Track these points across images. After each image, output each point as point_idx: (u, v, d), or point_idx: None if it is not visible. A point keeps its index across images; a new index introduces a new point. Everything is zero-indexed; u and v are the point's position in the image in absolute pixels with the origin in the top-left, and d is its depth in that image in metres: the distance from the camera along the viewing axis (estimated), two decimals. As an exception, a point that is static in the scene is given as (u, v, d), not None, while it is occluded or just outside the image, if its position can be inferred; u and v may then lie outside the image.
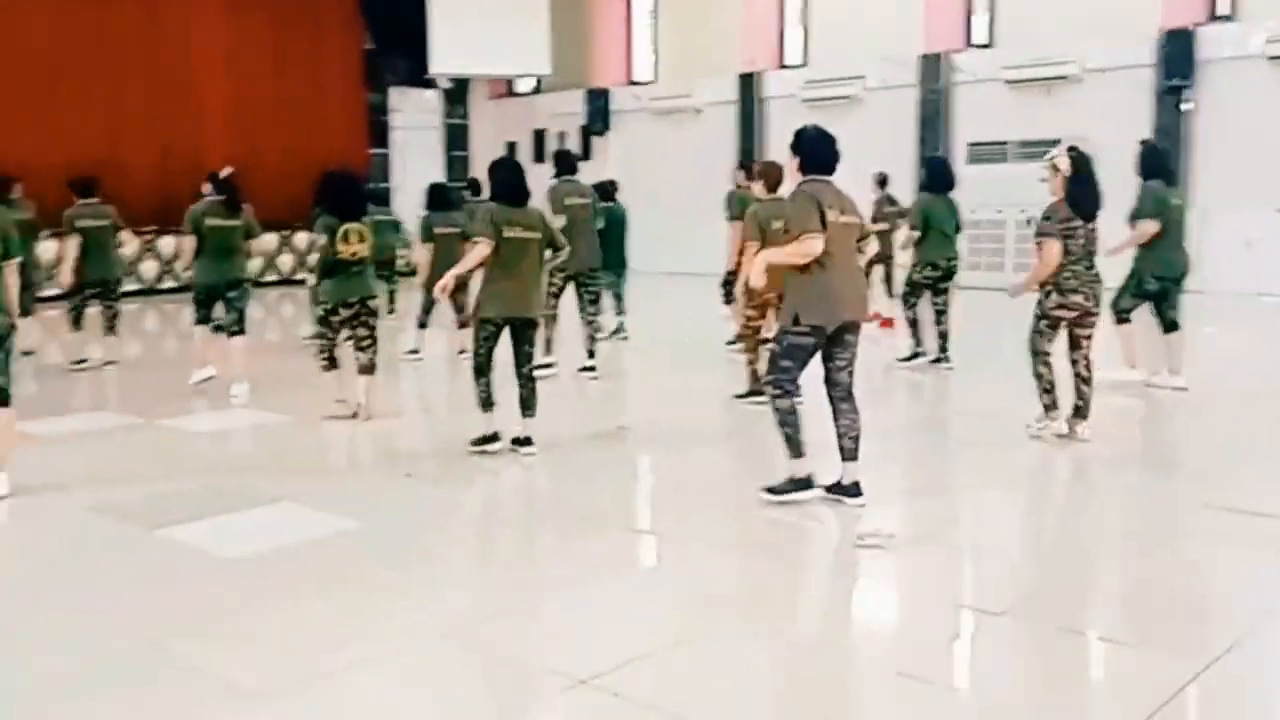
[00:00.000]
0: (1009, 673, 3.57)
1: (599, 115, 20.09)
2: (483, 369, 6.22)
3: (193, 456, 6.60)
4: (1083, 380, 6.45)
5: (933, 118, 15.91)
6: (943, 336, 8.95)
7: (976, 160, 15.48)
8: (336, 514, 5.15)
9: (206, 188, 8.61)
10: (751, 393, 7.45)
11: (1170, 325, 7.93)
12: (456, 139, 21.94)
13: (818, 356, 5.19)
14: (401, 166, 20.83)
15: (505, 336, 6.23)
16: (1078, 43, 14.63)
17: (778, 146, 17.18)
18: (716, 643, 3.69)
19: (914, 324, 9.11)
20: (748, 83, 18.05)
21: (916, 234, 8.83)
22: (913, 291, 9.04)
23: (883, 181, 12.16)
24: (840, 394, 5.24)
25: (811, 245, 4.98)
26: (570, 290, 8.89)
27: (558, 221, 8.76)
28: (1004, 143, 15.22)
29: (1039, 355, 6.45)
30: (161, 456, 6.51)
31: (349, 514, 5.14)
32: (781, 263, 5.14)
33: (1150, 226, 7.64)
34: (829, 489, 5.21)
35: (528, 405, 6.30)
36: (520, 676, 3.52)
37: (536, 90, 21.41)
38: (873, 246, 6.19)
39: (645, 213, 13.59)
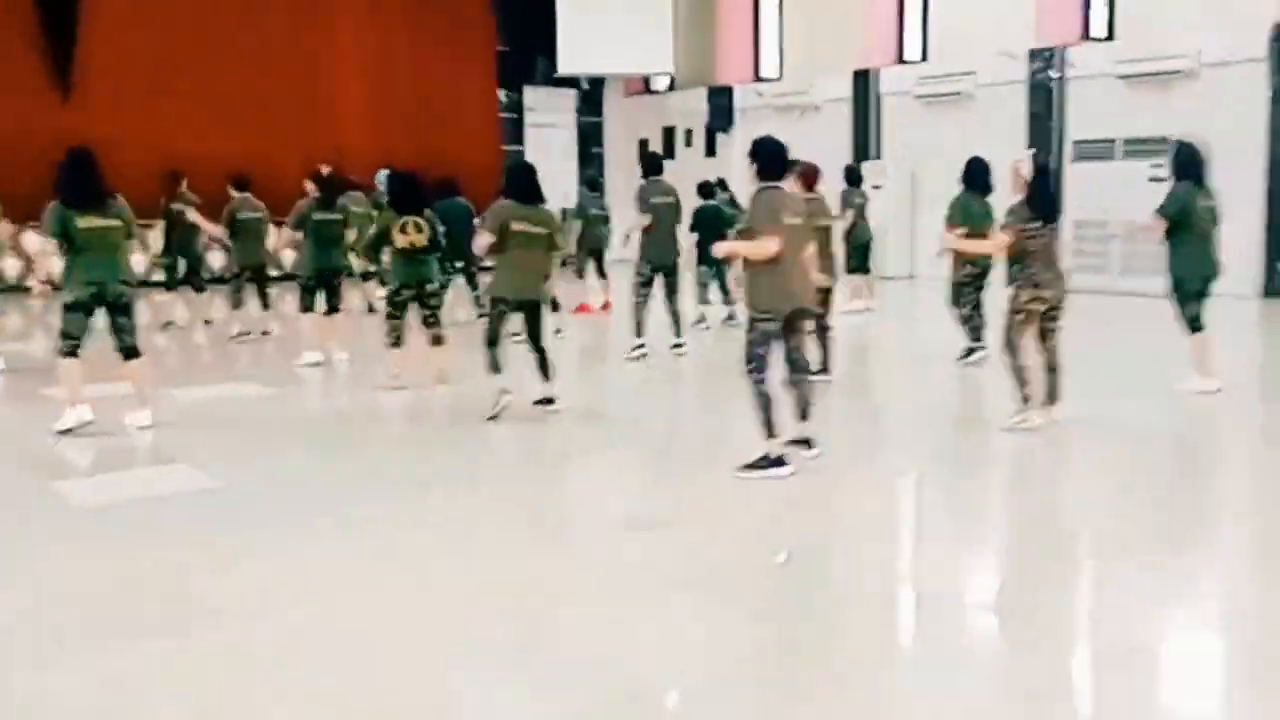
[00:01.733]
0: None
1: (722, 113, 20.42)
2: (494, 340, 7.20)
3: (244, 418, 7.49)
4: (1051, 369, 6.80)
5: (1043, 113, 15.61)
6: (975, 330, 9.23)
7: (1082, 158, 15.11)
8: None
9: (310, 186, 9.63)
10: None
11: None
12: (590, 137, 22.67)
13: None
14: (536, 164, 21.67)
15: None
16: (1192, 36, 14.12)
17: (891, 144, 17.44)
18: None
19: (966, 321, 9.24)
20: (863, 80, 18.06)
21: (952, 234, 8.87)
22: (957, 292, 9.25)
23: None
24: (795, 369, 6.01)
25: (769, 245, 5.59)
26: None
27: (643, 220, 9.80)
28: (1111, 140, 14.81)
29: (1014, 349, 6.77)
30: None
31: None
32: (746, 255, 5.76)
33: (1156, 221, 7.79)
34: (791, 442, 5.91)
35: (544, 370, 7.37)
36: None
37: (671, 88, 21.89)
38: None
39: None
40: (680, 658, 3.68)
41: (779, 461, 5.70)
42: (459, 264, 11.42)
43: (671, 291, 9.95)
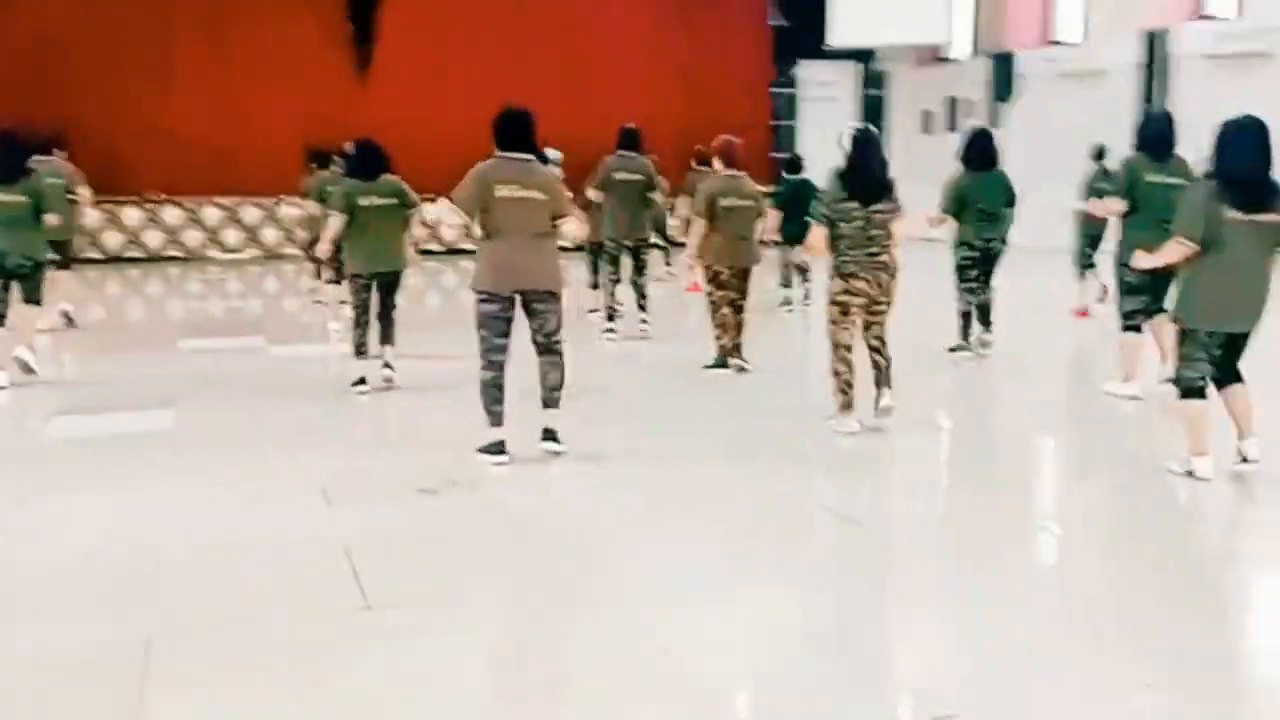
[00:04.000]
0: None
1: (1004, 82, 19.18)
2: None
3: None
4: (877, 352, 6.32)
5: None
6: (981, 310, 8.64)
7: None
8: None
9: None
10: (719, 364, 8.10)
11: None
12: (871, 110, 21.94)
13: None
14: (810, 139, 21.31)
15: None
16: None
17: (1185, 110, 15.67)
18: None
19: (963, 317, 8.69)
20: (1153, 41, 16.34)
21: (946, 216, 8.45)
22: (960, 278, 8.60)
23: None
24: (539, 350, 5.71)
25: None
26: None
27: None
28: None
29: (836, 348, 6.19)
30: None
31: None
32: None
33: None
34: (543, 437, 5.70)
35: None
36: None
37: (974, 53, 20.70)
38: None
39: (1044, 185, 12.94)
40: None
41: (498, 449, 5.59)
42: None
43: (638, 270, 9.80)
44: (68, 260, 10.44)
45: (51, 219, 7.86)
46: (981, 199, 8.43)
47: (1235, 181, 5.11)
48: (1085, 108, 17.48)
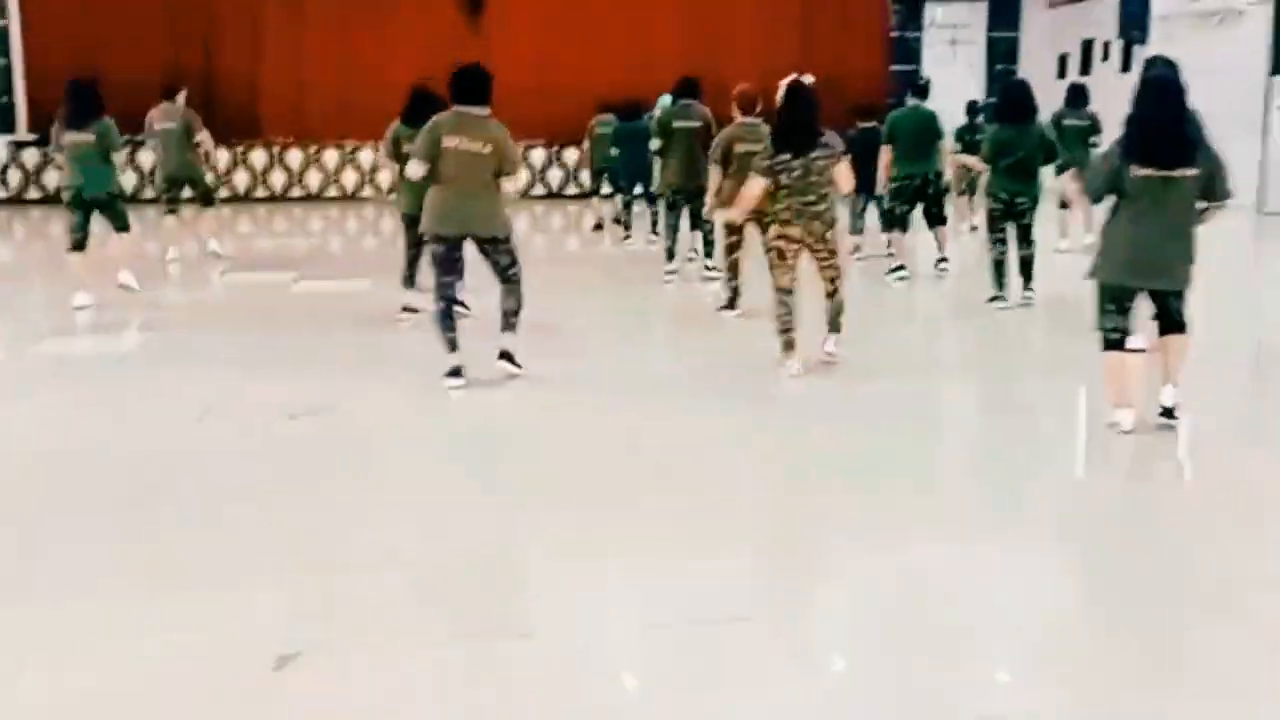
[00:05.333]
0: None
1: (1137, 23, 18.25)
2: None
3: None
4: (828, 296, 6.57)
5: None
6: (1022, 263, 8.58)
7: None
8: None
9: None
10: (729, 305, 8.37)
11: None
12: (1001, 53, 21.24)
13: None
14: (938, 84, 20.81)
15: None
16: None
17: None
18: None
19: (995, 266, 8.61)
20: (1284, -23, 15.32)
21: (985, 167, 8.43)
22: (990, 227, 8.59)
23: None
24: (499, 280, 6.20)
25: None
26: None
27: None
28: None
29: (777, 291, 6.38)
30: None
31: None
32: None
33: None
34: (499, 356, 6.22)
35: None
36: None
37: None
38: None
39: None
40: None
41: (454, 373, 6.09)
42: (639, 185, 12.17)
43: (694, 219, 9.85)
44: (209, 198, 11.42)
45: (117, 156, 8.73)
46: (1016, 152, 8.30)
47: (1143, 137, 5.06)
48: (1219, 52, 16.57)
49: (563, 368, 6.69)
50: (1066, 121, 11.33)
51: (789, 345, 6.45)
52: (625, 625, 3.43)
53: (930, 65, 20.51)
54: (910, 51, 20.65)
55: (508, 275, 6.18)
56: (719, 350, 7.39)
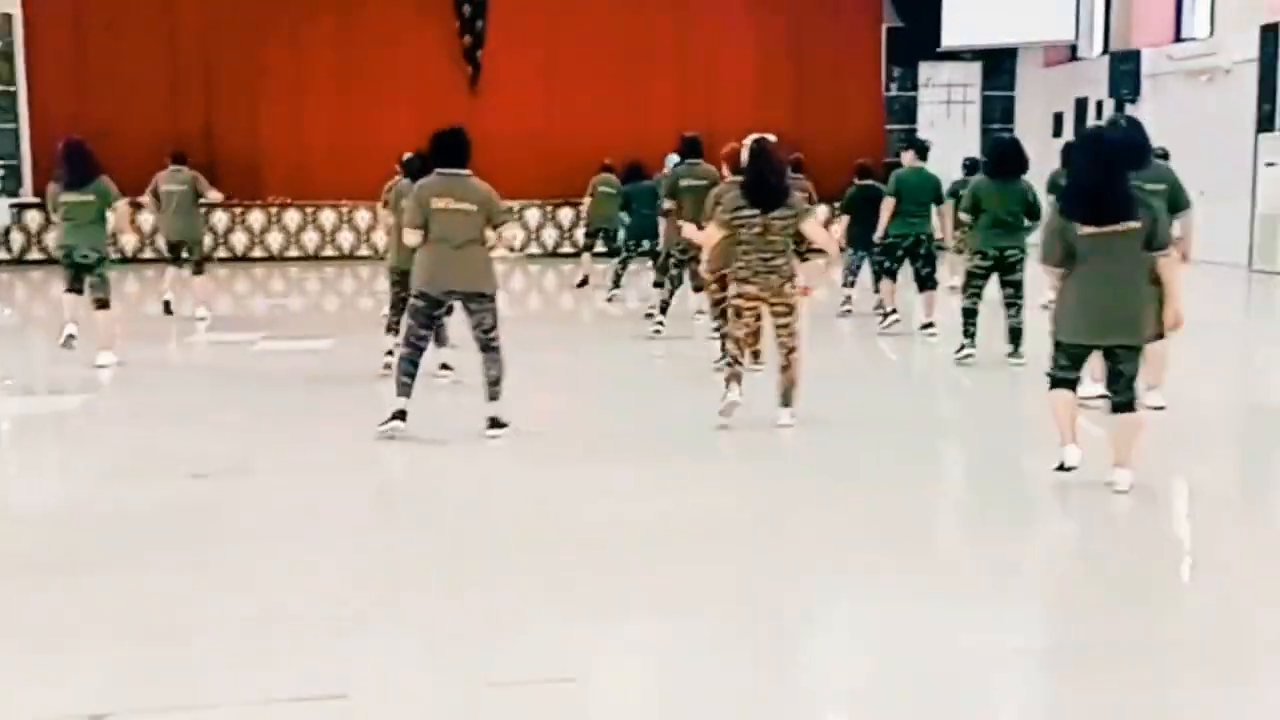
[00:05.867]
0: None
1: (1129, 80, 18.40)
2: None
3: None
4: (782, 370, 6.52)
5: None
6: (1011, 332, 8.47)
7: None
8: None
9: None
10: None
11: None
12: (996, 112, 21.41)
13: None
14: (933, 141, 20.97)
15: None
16: None
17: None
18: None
19: (965, 314, 8.54)
20: (1270, 36, 15.45)
21: (966, 219, 8.44)
22: (968, 281, 8.54)
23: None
24: (480, 348, 6.29)
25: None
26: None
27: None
28: None
29: (726, 338, 6.62)
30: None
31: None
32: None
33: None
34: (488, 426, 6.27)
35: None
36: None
37: (1105, 52, 19.97)
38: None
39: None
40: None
41: (396, 416, 6.21)
42: (646, 243, 12.09)
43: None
44: (200, 267, 11.55)
45: (112, 218, 8.74)
46: (999, 207, 8.33)
47: (1083, 196, 5.11)
48: (1206, 108, 16.70)
49: (530, 426, 6.59)
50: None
51: (734, 378, 6.51)
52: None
53: (925, 125, 20.74)
54: (907, 111, 20.86)
55: (489, 340, 6.27)
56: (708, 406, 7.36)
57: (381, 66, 18.36)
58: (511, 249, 6.36)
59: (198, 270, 11.55)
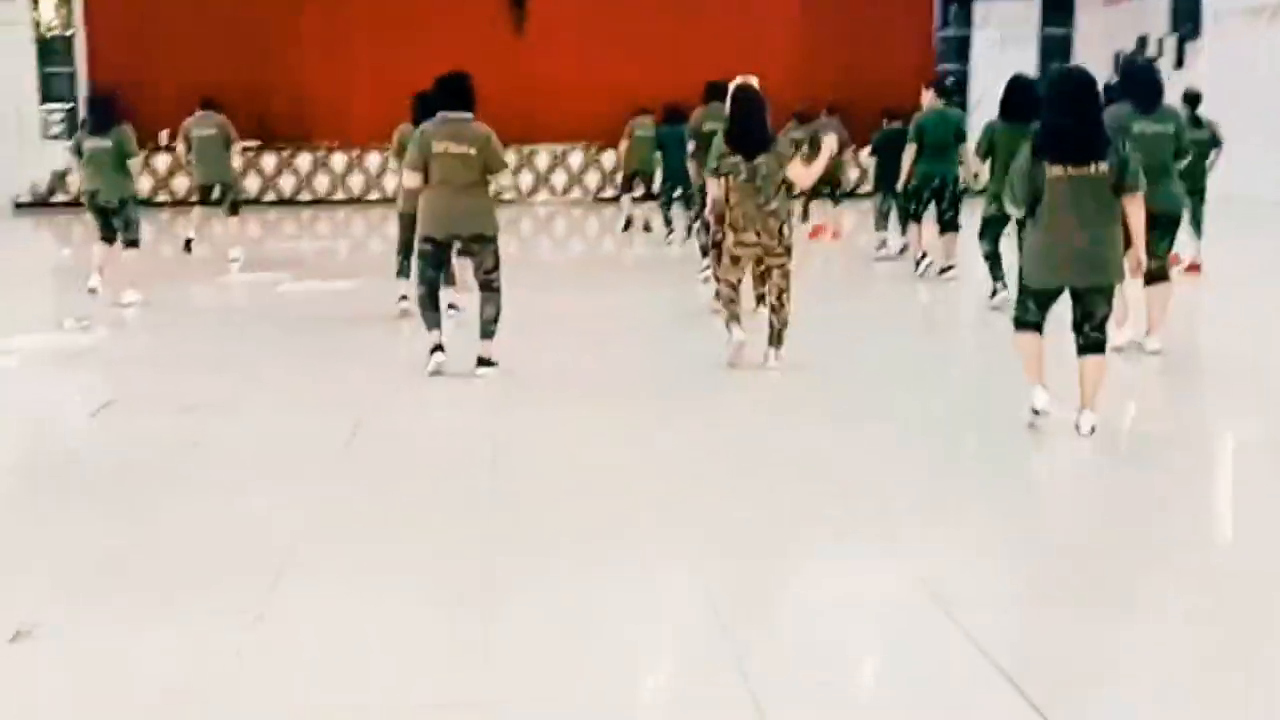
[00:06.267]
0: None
1: (1188, 17, 17.81)
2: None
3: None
4: (773, 310, 6.54)
5: None
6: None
7: None
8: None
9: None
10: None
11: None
12: (1055, 51, 20.83)
13: None
14: (985, 83, 20.51)
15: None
16: None
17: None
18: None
19: (988, 258, 8.44)
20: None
21: (982, 165, 8.06)
22: (984, 228, 8.33)
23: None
24: (480, 287, 6.45)
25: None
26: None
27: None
28: None
29: (721, 282, 6.59)
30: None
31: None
32: None
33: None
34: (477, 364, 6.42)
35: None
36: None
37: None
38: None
39: (1240, 132, 11.38)
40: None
41: (437, 348, 6.43)
42: (679, 188, 12.11)
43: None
44: (235, 207, 11.85)
45: (133, 162, 9.11)
46: (1012, 150, 8.18)
47: (1054, 136, 5.04)
48: (1272, 44, 16.11)
49: (524, 366, 6.70)
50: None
51: (734, 318, 6.57)
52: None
53: (979, 64, 20.29)
54: (960, 50, 20.40)
55: (489, 280, 6.43)
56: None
57: (428, 10, 18.41)
58: (499, 196, 6.39)
59: (233, 211, 11.81)
